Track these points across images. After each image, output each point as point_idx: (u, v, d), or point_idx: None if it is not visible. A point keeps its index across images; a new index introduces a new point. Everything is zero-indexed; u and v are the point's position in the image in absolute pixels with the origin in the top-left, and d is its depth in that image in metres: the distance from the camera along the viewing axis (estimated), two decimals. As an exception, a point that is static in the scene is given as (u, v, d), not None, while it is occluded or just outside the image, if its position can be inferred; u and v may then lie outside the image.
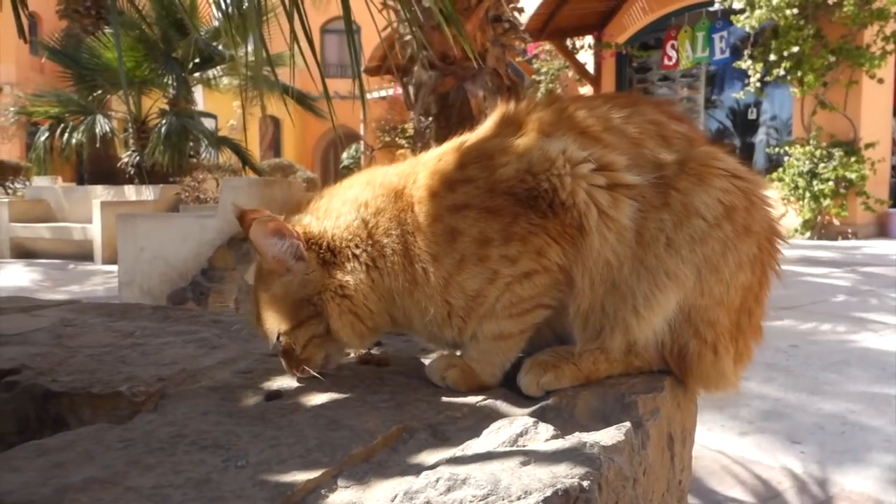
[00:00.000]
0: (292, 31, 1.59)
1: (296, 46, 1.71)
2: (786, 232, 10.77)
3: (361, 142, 19.98)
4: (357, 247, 1.17)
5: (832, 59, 10.34)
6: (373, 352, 1.41)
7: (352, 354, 1.40)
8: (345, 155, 22.76)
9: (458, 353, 1.25)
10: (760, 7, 10.28)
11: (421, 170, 1.21)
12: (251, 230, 1.13)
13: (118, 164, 12.04)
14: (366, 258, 1.17)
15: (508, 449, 0.88)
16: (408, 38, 6.67)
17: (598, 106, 1.21)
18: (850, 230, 10.76)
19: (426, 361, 1.29)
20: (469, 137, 1.25)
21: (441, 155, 1.23)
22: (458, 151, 1.21)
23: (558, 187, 1.10)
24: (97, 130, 11.16)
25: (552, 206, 1.11)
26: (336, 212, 1.21)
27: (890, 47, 10.28)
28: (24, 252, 9.98)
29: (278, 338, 1.19)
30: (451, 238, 1.13)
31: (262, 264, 1.20)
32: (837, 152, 10.57)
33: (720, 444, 2.68)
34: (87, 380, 1.23)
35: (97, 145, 11.23)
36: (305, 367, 1.20)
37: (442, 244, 1.13)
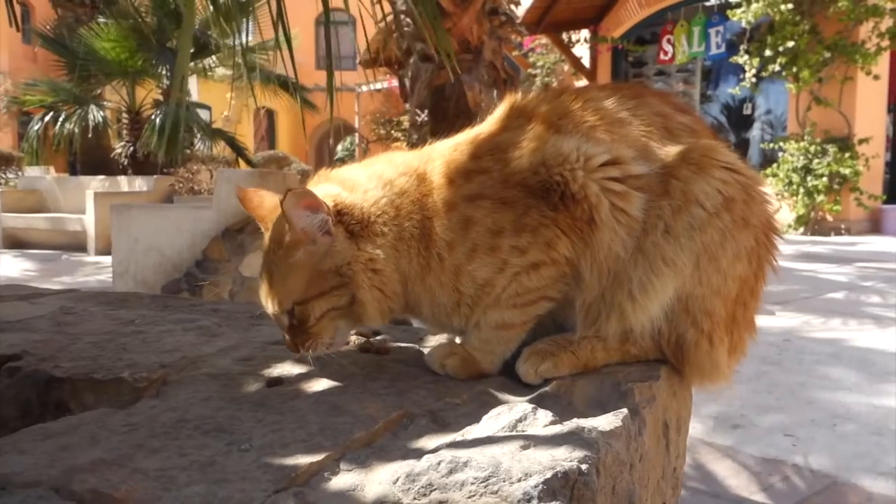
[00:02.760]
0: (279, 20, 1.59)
1: (282, 39, 1.72)
2: (781, 227, 10.82)
3: (356, 134, 19.97)
4: (385, 224, 1.17)
5: (827, 54, 10.39)
6: (372, 340, 1.42)
7: (351, 344, 1.41)
8: (340, 147, 22.75)
9: (458, 340, 1.27)
10: (757, 1, 10.30)
11: (437, 158, 1.22)
12: (285, 200, 1.11)
13: (111, 155, 11.99)
14: (391, 237, 1.16)
15: (508, 434, 0.90)
16: (404, 29, 6.66)
17: (605, 98, 1.22)
18: (843, 226, 10.82)
19: (425, 350, 1.30)
20: (481, 129, 1.26)
21: (456, 145, 1.24)
22: (472, 143, 1.22)
23: (570, 180, 1.12)
24: (90, 120, 11.10)
25: (563, 199, 1.12)
26: (363, 186, 1.21)
27: (885, 44, 10.33)
28: (16, 242, 9.95)
29: (292, 308, 1.16)
30: (465, 227, 1.14)
31: (281, 232, 1.18)
32: (831, 148, 10.63)
33: (712, 436, 2.71)
34: (89, 366, 1.24)
35: (90, 135, 11.18)
36: (313, 344, 1.17)
37: (457, 232, 1.14)
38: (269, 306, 1.19)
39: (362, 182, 1.22)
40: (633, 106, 1.20)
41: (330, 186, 1.22)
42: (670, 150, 1.15)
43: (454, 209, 1.15)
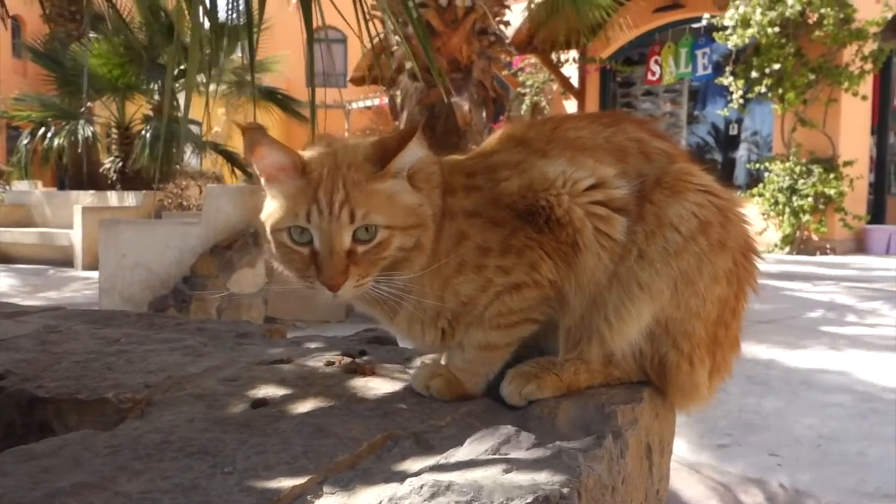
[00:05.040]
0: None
1: (276, 57, 1.74)
2: (765, 247, 10.92)
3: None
4: (423, 180, 1.16)
5: (812, 77, 10.52)
6: (358, 361, 1.42)
7: (336, 365, 1.41)
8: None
9: (443, 360, 1.27)
10: (751, 26, 10.41)
11: (446, 169, 1.23)
12: (418, 133, 1.10)
13: (100, 170, 11.96)
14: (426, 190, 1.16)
15: (491, 457, 0.90)
16: (395, 49, 6.71)
17: (586, 125, 1.25)
18: (828, 245, 10.90)
19: (411, 371, 1.31)
20: (477, 150, 1.30)
21: (455, 162, 1.27)
22: (470, 161, 1.26)
23: (555, 205, 1.14)
24: (80, 135, 11.09)
25: (548, 223, 1.14)
26: None
27: (868, 66, 10.48)
28: (3, 257, 9.87)
29: (368, 228, 1.08)
30: (458, 240, 1.16)
31: (361, 157, 1.12)
32: (816, 169, 10.74)
33: (699, 455, 2.71)
34: (73, 386, 1.23)
35: (79, 150, 11.16)
36: (364, 281, 1.10)
37: (452, 243, 1.16)
38: (344, 216, 1.07)
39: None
40: (612, 133, 1.23)
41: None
42: (647, 173, 1.18)
43: (454, 219, 1.17)
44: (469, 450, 0.94)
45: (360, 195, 1.08)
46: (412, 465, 0.94)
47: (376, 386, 1.27)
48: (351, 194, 1.08)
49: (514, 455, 0.91)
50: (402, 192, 1.13)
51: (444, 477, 0.83)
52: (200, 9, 1.78)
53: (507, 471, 0.85)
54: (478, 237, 1.16)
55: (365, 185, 1.09)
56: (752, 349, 4.26)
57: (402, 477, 0.88)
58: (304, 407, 1.16)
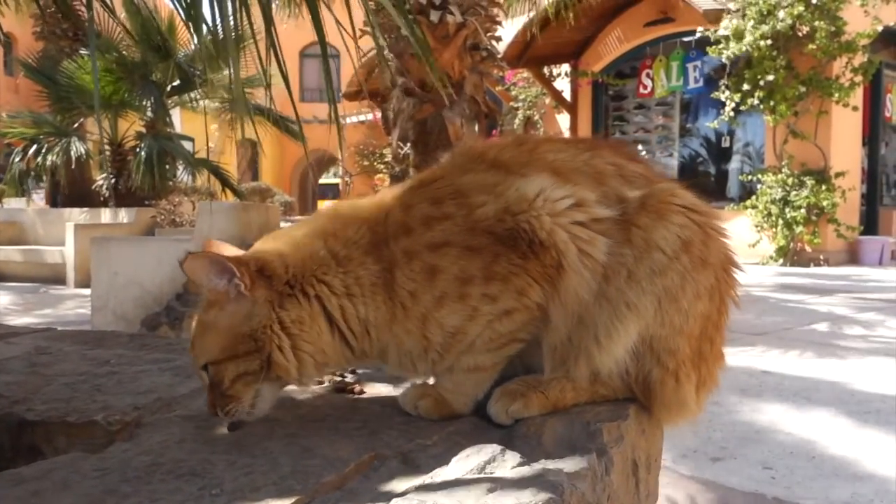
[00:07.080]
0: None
1: (272, 70, 1.75)
2: (759, 259, 10.96)
3: (340, 166, 20.05)
4: (325, 274, 1.14)
5: (803, 89, 10.62)
6: (347, 380, 1.43)
7: (326, 382, 1.42)
8: (324, 178, 22.83)
9: (431, 380, 1.28)
10: (745, 37, 10.48)
11: (391, 206, 1.21)
12: (185, 264, 1.09)
13: (93, 187, 11.96)
14: (339, 285, 1.14)
15: (476, 476, 0.91)
16: (388, 63, 6.74)
17: (563, 149, 1.26)
18: (822, 257, 10.96)
19: (399, 390, 1.32)
20: (435, 174, 1.26)
21: (411, 192, 1.23)
22: (429, 188, 1.22)
23: (536, 228, 1.12)
24: (72, 152, 11.09)
25: (531, 247, 1.13)
26: (300, 243, 1.19)
27: (858, 79, 10.58)
28: (-5, 275, 9.84)
29: (205, 367, 1.13)
30: (430, 275, 1.13)
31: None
32: (809, 180, 10.81)
33: (693, 468, 2.72)
34: (62, 408, 1.24)
35: (72, 167, 11.16)
36: (232, 408, 1.12)
37: (420, 281, 1.13)
38: (190, 361, 1.17)
39: (299, 239, 1.20)
40: (589, 157, 1.24)
41: (266, 246, 1.21)
42: (628, 195, 1.19)
43: (415, 258, 1.14)
44: (454, 469, 0.95)
45: (198, 334, 1.15)
46: (398, 485, 0.95)
47: (364, 405, 1.28)
48: (194, 335, 1.16)
49: (498, 474, 0.92)
50: (239, 318, 1.12)
51: (430, 497, 0.84)
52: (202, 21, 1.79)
53: (491, 490, 0.86)
54: (454, 268, 1.13)
55: (202, 322, 1.16)
56: (745, 361, 4.27)
57: (388, 497, 0.89)
58: (293, 426, 1.17)
